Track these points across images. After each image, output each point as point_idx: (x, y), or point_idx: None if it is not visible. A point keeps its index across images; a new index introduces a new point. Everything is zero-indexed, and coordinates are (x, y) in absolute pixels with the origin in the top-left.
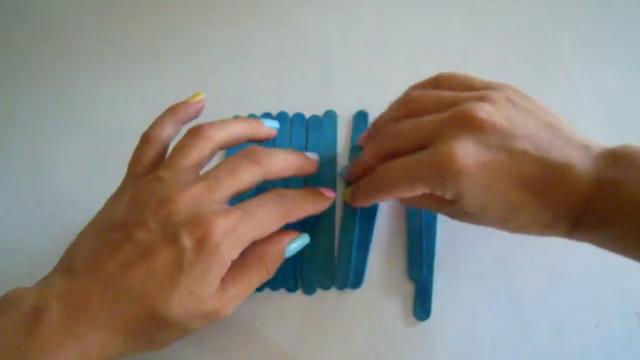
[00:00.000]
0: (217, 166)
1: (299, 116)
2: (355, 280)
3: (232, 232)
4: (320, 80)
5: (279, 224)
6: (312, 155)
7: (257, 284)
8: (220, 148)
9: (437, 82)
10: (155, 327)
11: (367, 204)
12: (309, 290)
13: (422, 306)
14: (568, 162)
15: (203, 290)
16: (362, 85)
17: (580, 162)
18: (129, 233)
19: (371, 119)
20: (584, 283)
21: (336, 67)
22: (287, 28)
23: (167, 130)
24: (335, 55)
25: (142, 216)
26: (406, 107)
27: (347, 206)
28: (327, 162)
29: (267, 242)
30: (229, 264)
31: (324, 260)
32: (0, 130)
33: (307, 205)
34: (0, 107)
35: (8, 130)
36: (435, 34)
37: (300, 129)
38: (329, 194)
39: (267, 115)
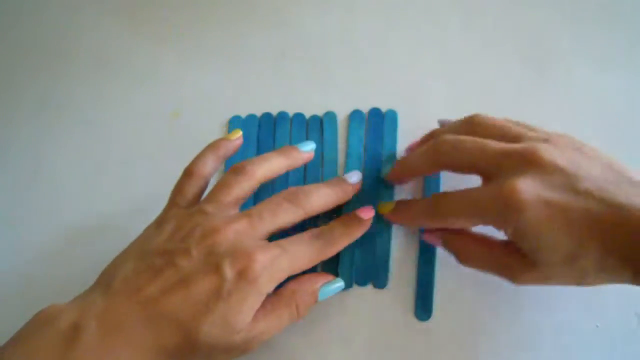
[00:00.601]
0: (261, 204)
1: (298, 116)
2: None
3: (270, 267)
4: (320, 80)
5: (315, 262)
6: (355, 176)
7: (286, 321)
8: (261, 183)
9: (472, 126)
10: (186, 352)
11: (412, 226)
12: None
13: (423, 306)
14: (633, 204)
15: (237, 319)
16: (362, 85)
17: (630, 198)
18: (171, 260)
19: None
20: None
21: (336, 67)
22: (287, 28)
23: (208, 165)
24: (335, 55)
25: (186, 245)
26: (471, 126)
27: (347, 205)
28: (328, 163)
29: (301, 280)
30: (264, 296)
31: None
32: (2, 123)
33: (342, 240)
34: (1, 106)
35: (8, 130)
36: (435, 34)
37: (301, 129)
38: (366, 214)
39: (267, 116)
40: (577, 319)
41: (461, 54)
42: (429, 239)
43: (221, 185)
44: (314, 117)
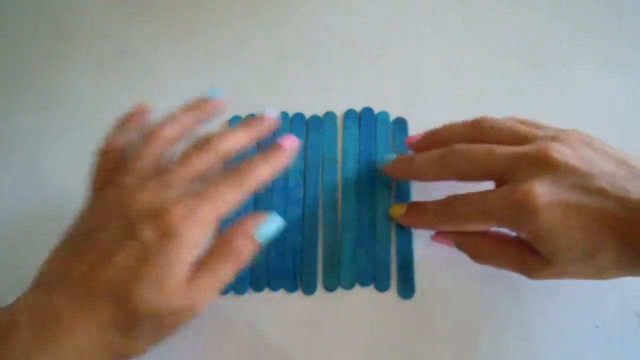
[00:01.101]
0: (169, 162)
1: (299, 116)
2: (363, 279)
3: (191, 216)
4: (320, 80)
5: (238, 196)
6: (269, 110)
7: (229, 271)
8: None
9: (479, 129)
10: (130, 322)
11: (425, 229)
12: (309, 290)
13: (404, 284)
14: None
15: (170, 278)
16: (362, 85)
17: None
18: (92, 238)
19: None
20: (584, 283)
21: (336, 67)
22: (287, 28)
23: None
24: (335, 55)
25: (105, 220)
26: (479, 129)
27: (347, 205)
28: (328, 163)
29: (236, 230)
30: (197, 248)
31: (327, 260)
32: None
33: (261, 168)
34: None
35: (7, 126)
36: (435, 34)
37: (301, 129)
38: (286, 142)
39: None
40: (577, 319)
41: (461, 53)
42: (441, 240)
43: (132, 154)
44: (314, 117)
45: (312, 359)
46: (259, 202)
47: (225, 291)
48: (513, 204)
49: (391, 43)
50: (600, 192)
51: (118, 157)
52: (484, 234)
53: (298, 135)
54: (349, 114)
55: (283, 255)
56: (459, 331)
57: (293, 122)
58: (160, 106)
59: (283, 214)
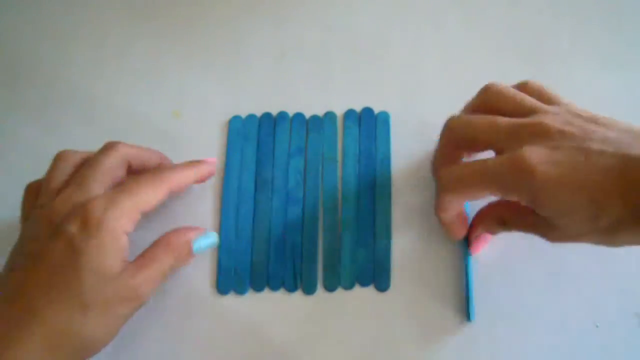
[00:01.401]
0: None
1: (299, 116)
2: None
3: (112, 206)
4: (320, 80)
5: (160, 191)
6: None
7: (166, 268)
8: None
9: (487, 95)
10: (79, 318)
11: (439, 208)
12: (309, 290)
13: (380, 279)
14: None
15: (106, 265)
16: (362, 85)
17: None
18: (23, 251)
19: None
20: (584, 283)
21: (336, 67)
22: (287, 28)
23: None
24: (335, 55)
25: (33, 233)
26: (486, 95)
27: (347, 205)
28: (328, 162)
29: (174, 232)
30: (122, 234)
31: (327, 260)
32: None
33: (181, 169)
34: (3, 100)
35: (8, 127)
36: (435, 34)
37: (301, 129)
38: (210, 160)
39: (267, 116)
40: (577, 319)
41: (461, 53)
42: (478, 244)
43: (45, 179)
44: (314, 117)
45: (312, 358)
46: (258, 203)
47: (225, 291)
48: (510, 167)
49: (391, 43)
50: (600, 153)
51: (37, 189)
52: (503, 205)
53: (298, 135)
54: (349, 114)
55: (283, 255)
56: (461, 329)
57: (293, 122)
58: (160, 106)
59: (283, 213)
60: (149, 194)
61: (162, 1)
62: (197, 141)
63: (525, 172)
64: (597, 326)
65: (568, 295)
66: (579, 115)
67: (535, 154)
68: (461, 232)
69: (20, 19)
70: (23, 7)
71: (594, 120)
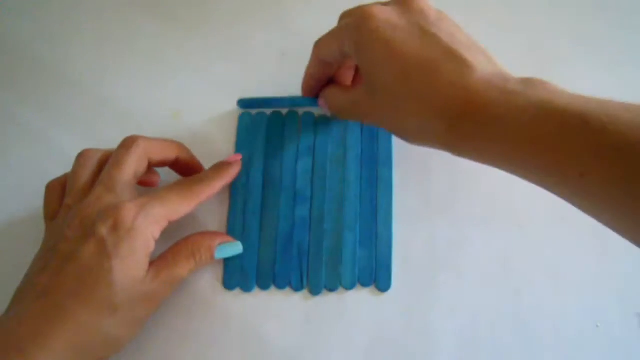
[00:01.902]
0: (105, 167)
1: (308, 115)
2: (364, 279)
3: (142, 212)
4: None
5: (188, 203)
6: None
7: (186, 271)
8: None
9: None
10: (108, 319)
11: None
12: (315, 291)
13: (382, 279)
14: (471, 62)
15: (136, 268)
16: None
17: (483, 67)
18: (54, 250)
19: None
20: (584, 283)
21: None
22: (287, 28)
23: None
24: None
25: (63, 233)
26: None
27: (348, 205)
28: (333, 162)
29: (199, 234)
30: (151, 240)
31: (330, 260)
32: (3, 121)
33: (211, 181)
34: (3, 100)
35: (10, 126)
36: None
37: (308, 128)
38: (233, 158)
39: (276, 114)
40: (577, 319)
41: None
42: (320, 102)
43: (70, 177)
44: (322, 117)
45: (313, 357)
46: (266, 199)
47: (231, 287)
48: (350, 16)
49: None
50: (434, 37)
51: (60, 187)
52: (337, 85)
53: (306, 134)
54: None
55: (290, 254)
56: (460, 330)
57: (302, 121)
58: (160, 106)
59: (291, 213)
60: (180, 205)
61: (162, 1)
62: (198, 142)
63: (361, 17)
64: (597, 326)
65: (568, 295)
66: (441, 18)
67: (379, 10)
68: (307, 91)
69: (20, 19)
70: (23, 7)
71: (455, 28)
